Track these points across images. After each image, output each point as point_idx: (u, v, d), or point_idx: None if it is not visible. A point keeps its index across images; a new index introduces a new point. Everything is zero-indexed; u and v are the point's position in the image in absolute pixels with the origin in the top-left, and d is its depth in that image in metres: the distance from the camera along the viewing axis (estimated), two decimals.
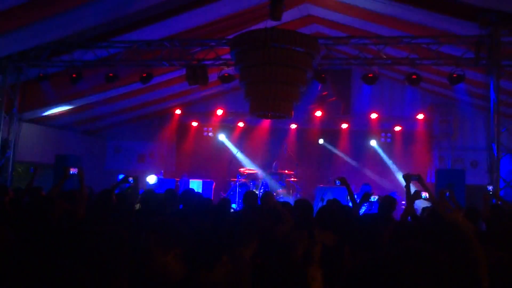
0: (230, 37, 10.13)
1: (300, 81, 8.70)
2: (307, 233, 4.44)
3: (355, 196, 6.58)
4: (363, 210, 10.98)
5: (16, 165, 11.95)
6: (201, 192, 11.81)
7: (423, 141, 14.91)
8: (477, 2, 8.50)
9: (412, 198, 5.34)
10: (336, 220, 4.64)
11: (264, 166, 15.30)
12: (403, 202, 12.69)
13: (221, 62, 10.86)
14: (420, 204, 7.20)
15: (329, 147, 15.76)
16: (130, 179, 6.29)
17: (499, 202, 7.36)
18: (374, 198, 11.44)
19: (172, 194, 6.67)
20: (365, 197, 6.51)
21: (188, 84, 10.89)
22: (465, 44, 9.72)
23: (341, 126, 15.71)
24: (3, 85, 10.78)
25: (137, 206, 6.45)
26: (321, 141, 15.69)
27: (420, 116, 14.95)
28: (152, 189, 7.76)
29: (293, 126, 16.10)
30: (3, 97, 10.88)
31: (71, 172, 5.53)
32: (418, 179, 5.71)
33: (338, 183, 6.52)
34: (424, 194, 5.42)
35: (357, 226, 5.11)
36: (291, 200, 11.91)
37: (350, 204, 6.57)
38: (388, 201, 6.19)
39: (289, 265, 3.44)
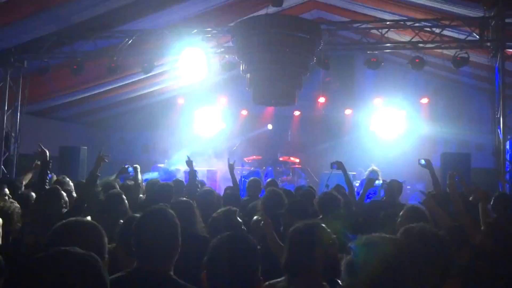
0: (231, 24, 10.05)
1: (303, 68, 8.63)
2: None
3: (360, 182, 6.51)
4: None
5: (21, 158, 11.95)
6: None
7: (428, 125, 14.77)
8: None
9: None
10: (337, 207, 4.62)
11: (269, 154, 15.26)
12: (408, 187, 12.68)
13: (222, 50, 10.78)
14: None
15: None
16: (130, 169, 6.26)
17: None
18: (378, 182, 11.36)
19: (179, 185, 6.66)
20: (370, 183, 6.41)
21: (190, 73, 10.81)
22: (469, 26, 9.56)
23: (345, 112, 15.64)
24: (5, 78, 10.73)
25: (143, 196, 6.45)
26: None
27: (424, 100, 14.83)
28: (157, 179, 7.73)
29: (297, 113, 16.04)
30: (6, 90, 10.84)
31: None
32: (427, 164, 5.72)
33: (334, 167, 6.45)
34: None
35: (359, 213, 5.09)
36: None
37: (347, 189, 6.44)
38: (394, 185, 6.13)
39: None
